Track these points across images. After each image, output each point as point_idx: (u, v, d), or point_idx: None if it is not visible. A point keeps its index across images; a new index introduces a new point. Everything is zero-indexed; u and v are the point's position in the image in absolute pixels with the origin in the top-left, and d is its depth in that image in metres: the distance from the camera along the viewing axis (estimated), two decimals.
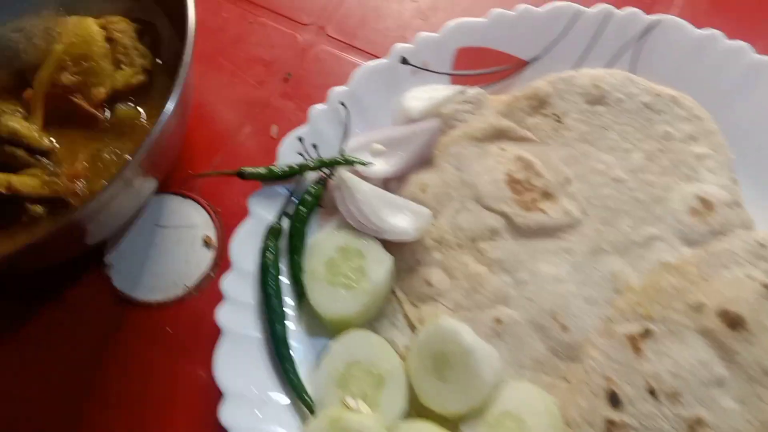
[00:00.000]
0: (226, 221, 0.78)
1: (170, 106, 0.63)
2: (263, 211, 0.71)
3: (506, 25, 0.79)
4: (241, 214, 0.75)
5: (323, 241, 0.70)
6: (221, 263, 0.76)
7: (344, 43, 0.89)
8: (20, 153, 0.71)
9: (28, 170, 0.71)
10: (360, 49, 0.88)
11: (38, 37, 0.74)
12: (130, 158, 0.63)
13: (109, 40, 0.74)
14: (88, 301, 0.74)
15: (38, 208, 0.69)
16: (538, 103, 0.75)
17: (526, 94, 0.75)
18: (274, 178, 0.72)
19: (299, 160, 0.73)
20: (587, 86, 0.75)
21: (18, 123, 0.71)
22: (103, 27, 0.75)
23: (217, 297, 0.67)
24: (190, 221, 0.78)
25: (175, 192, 0.79)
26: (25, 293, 0.75)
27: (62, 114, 0.74)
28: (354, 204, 0.70)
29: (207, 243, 0.77)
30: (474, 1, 0.91)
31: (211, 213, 0.78)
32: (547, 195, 0.70)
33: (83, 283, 0.75)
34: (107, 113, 0.74)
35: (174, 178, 0.80)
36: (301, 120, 0.81)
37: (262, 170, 0.71)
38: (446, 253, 0.70)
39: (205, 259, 0.76)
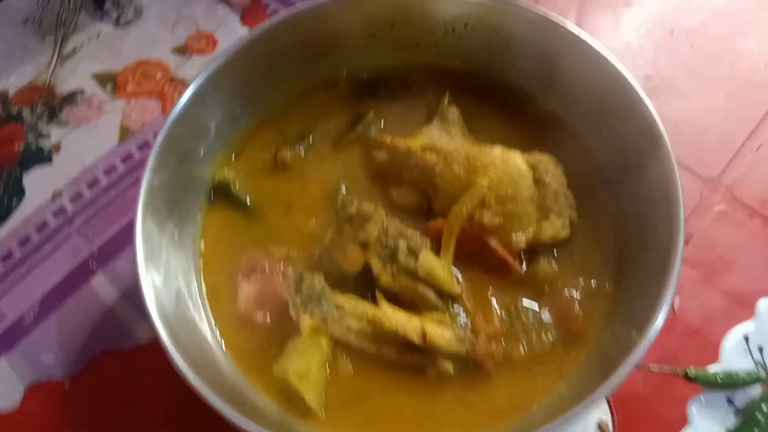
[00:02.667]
0: (622, 406, 0.68)
1: (659, 324, 0.53)
2: (705, 424, 0.60)
3: None
4: (640, 404, 0.66)
5: None
6: None
7: (753, 209, 0.78)
8: (431, 295, 0.65)
9: (434, 314, 0.65)
10: None
11: (458, 163, 0.68)
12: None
13: (537, 181, 0.67)
14: None
15: (449, 366, 0.61)
16: None
17: None
18: (719, 385, 0.62)
19: (745, 361, 0.63)
20: None
21: (435, 262, 0.65)
22: (532, 166, 0.68)
23: None
24: None
25: None
26: None
27: (468, 254, 0.67)
28: None
29: (602, 430, 0.67)
30: None
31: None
32: None
33: None
34: (523, 265, 0.67)
35: None
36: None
37: (709, 374, 0.61)
38: None
39: None
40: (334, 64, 0.75)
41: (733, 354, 0.63)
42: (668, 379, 0.67)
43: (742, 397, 0.62)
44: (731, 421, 0.61)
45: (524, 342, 0.63)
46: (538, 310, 0.64)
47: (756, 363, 0.62)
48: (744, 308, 0.71)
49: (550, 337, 0.63)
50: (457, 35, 0.74)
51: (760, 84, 0.85)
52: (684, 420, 0.63)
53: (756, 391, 0.62)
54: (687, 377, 0.62)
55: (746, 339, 0.63)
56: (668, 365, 0.63)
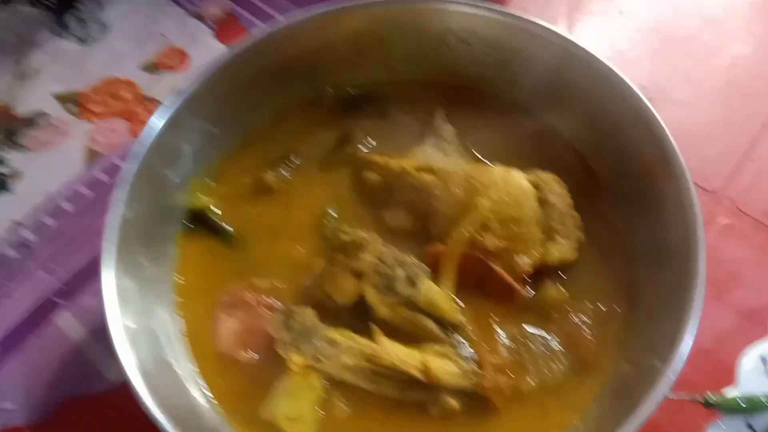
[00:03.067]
0: None
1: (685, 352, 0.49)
2: None
3: None
4: (655, 429, 0.62)
5: None
6: None
7: (759, 222, 0.75)
8: (431, 326, 0.60)
9: (435, 347, 0.59)
10: None
11: (456, 183, 0.63)
12: None
13: (541, 202, 0.63)
14: None
15: (454, 402, 0.56)
16: None
17: None
18: (739, 410, 0.58)
19: (763, 383, 0.59)
20: None
21: (436, 290, 0.60)
22: (535, 186, 0.63)
23: None
24: None
25: None
26: None
27: (470, 280, 0.61)
28: None
29: None
30: None
31: None
32: None
33: None
34: (529, 290, 0.62)
35: None
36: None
37: (731, 400, 0.57)
38: None
39: None
40: (317, 82, 0.70)
41: (751, 376, 0.59)
42: (683, 403, 0.63)
43: (761, 422, 0.58)
44: None
45: (534, 373, 0.58)
46: (547, 337, 0.59)
47: None
48: (756, 325, 0.67)
49: (561, 367, 0.58)
50: (450, 49, 0.69)
51: (758, 92, 0.83)
52: None
53: None
54: (707, 404, 0.58)
55: (764, 360, 0.60)
56: (686, 392, 0.59)
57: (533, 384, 0.58)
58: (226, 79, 0.63)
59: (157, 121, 0.60)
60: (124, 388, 0.64)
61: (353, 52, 0.69)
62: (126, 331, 0.54)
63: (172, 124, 0.60)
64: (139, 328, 0.56)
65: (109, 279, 0.54)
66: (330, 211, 0.65)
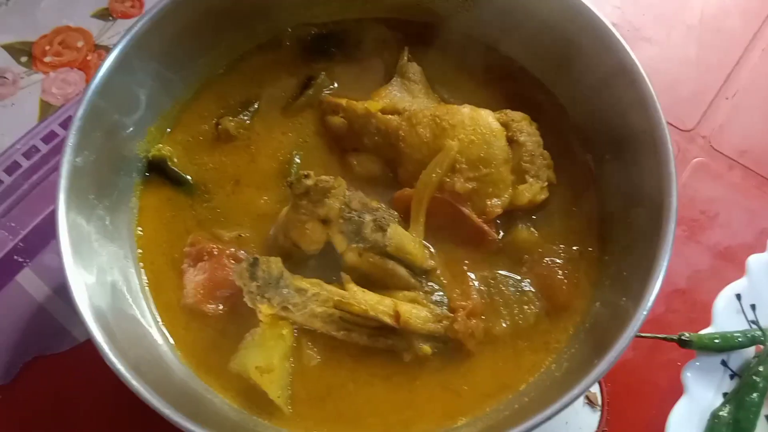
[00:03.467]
0: (611, 376, 0.64)
1: (656, 290, 0.49)
2: (702, 390, 0.56)
3: None
4: (631, 372, 0.62)
5: None
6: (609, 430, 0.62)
7: (732, 160, 0.74)
8: (402, 272, 0.58)
9: (406, 293, 0.58)
10: (749, 169, 0.74)
11: (423, 125, 0.61)
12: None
13: (510, 141, 0.61)
14: None
15: (427, 349, 0.55)
16: None
17: None
18: (716, 348, 0.57)
19: (739, 322, 0.59)
20: None
21: (405, 235, 0.59)
22: (504, 125, 0.61)
23: None
24: None
25: None
26: None
27: (440, 224, 0.60)
28: None
29: (590, 402, 0.63)
30: None
31: None
32: None
33: None
34: (500, 232, 0.61)
35: None
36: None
37: (706, 338, 0.56)
38: None
39: (589, 422, 0.62)
40: (276, 21, 0.67)
41: (725, 314, 0.59)
42: (659, 344, 0.62)
43: (736, 359, 0.59)
44: (727, 384, 0.57)
45: (506, 316, 0.57)
46: (518, 280, 0.58)
47: (749, 322, 0.59)
48: (732, 265, 0.67)
49: (534, 309, 0.57)
50: None
51: (732, 30, 0.81)
52: (678, 387, 0.59)
53: (750, 351, 0.59)
54: (682, 343, 0.58)
55: (738, 297, 0.59)
56: (662, 334, 0.59)
57: (506, 327, 0.57)
58: (177, 19, 0.60)
59: (103, 65, 0.57)
60: (90, 344, 0.63)
61: None
62: (86, 283, 0.52)
63: (120, 66, 0.56)
64: (101, 280, 0.54)
65: (64, 230, 0.52)
66: (295, 158, 0.64)
